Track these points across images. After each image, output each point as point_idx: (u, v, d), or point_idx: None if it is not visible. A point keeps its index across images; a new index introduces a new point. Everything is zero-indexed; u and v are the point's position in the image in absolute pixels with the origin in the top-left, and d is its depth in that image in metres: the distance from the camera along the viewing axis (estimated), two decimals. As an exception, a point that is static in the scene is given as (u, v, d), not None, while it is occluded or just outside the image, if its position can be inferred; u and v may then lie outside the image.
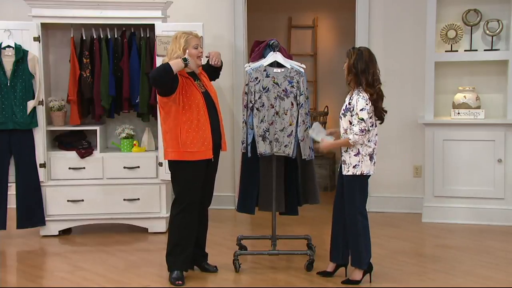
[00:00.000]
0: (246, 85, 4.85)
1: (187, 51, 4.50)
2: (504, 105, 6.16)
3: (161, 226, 5.90)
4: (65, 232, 5.92)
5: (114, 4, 5.73)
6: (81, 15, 5.70)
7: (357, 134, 4.35)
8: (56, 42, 6.08)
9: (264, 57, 4.90)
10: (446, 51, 6.20)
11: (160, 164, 5.81)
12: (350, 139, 4.37)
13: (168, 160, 4.60)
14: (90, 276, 4.84)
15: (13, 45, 5.56)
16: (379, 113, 4.44)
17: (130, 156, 5.91)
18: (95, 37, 5.90)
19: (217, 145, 4.65)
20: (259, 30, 7.61)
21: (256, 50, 5.00)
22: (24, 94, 5.60)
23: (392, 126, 6.49)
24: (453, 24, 6.15)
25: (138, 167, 5.86)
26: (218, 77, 4.99)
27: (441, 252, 5.29)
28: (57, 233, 5.85)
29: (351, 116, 4.40)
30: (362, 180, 4.47)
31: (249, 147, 4.83)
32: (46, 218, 5.78)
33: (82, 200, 5.82)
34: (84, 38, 5.95)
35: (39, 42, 5.67)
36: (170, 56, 4.54)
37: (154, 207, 5.87)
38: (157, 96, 4.55)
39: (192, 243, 4.64)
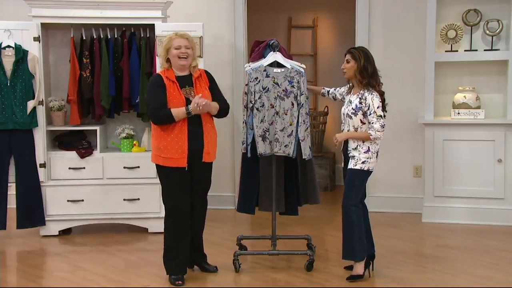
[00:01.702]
0: (246, 85, 4.85)
1: (170, 51, 4.51)
2: (504, 105, 6.16)
3: (161, 226, 5.80)
4: (65, 232, 5.92)
5: (114, 4, 5.73)
6: (81, 15, 5.70)
7: (379, 131, 4.46)
8: (56, 42, 6.08)
9: (264, 57, 4.90)
10: (446, 51, 6.20)
11: (160, 164, 5.81)
12: (371, 135, 4.47)
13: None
14: (90, 276, 4.84)
15: (13, 45, 5.56)
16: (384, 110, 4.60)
17: (130, 156, 5.91)
18: (95, 37, 5.90)
19: (197, 154, 4.52)
20: (259, 30, 7.61)
21: (256, 50, 4.99)
22: (24, 94, 5.61)
23: (392, 126, 6.50)
24: (453, 24, 6.15)
25: (138, 167, 5.86)
26: (223, 116, 4.74)
27: (441, 252, 5.29)
28: (57, 233, 5.85)
29: (363, 115, 4.49)
30: (365, 176, 4.59)
31: (249, 147, 4.82)
32: (46, 218, 5.79)
33: (82, 200, 5.83)
34: (84, 38, 5.95)
35: (39, 42, 5.67)
36: (160, 60, 4.63)
37: (154, 207, 5.87)
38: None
39: (184, 247, 4.61)
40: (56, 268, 5.10)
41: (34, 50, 5.65)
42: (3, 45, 5.56)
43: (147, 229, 5.91)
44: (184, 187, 4.54)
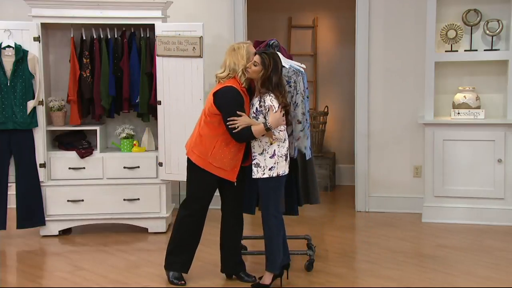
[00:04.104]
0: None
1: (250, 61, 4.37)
2: (504, 105, 6.16)
3: (161, 226, 5.90)
4: (65, 232, 5.92)
5: (114, 4, 5.73)
6: (81, 15, 5.70)
7: (281, 131, 4.34)
8: (56, 42, 6.08)
9: (264, 57, 4.89)
10: (446, 51, 6.20)
11: (160, 164, 5.81)
12: (275, 135, 4.32)
13: (190, 159, 4.52)
14: (90, 276, 4.84)
15: (13, 45, 5.56)
16: (289, 119, 4.48)
17: (130, 156, 5.91)
18: (95, 37, 5.90)
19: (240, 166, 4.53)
20: (259, 30, 7.60)
21: (256, 50, 4.98)
22: (24, 94, 5.61)
23: (392, 126, 6.51)
24: (453, 24, 6.15)
25: (138, 167, 5.86)
26: None
27: (441, 252, 5.29)
28: (57, 233, 5.85)
29: (264, 118, 4.33)
30: (277, 181, 4.41)
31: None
32: (46, 218, 5.78)
33: (82, 200, 5.82)
34: (84, 38, 5.95)
35: (39, 42, 5.67)
36: (233, 67, 4.38)
37: (154, 207, 5.87)
38: (211, 105, 4.38)
39: (194, 247, 4.64)
40: (56, 268, 5.10)
41: (34, 50, 5.64)
42: (3, 45, 5.56)
43: (147, 229, 5.91)
44: (213, 193, 4.57)
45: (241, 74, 4.39)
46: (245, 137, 4.34)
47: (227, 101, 4.35)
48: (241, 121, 4.30)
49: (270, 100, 4.32)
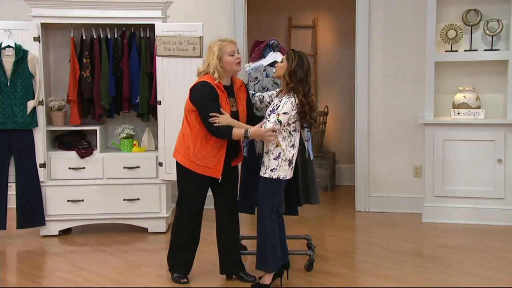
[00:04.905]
0: (246, 85, 4.84)
1: (224, 59, 4.39)
2: (504, 105, 6.16)
3: (161, 226, 5.90)
4: (65, 232, 5.92)
5: (114, 4, 5.73)
6: (81, 15, 5.70)
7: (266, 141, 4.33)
8: (56, 42, 6.08)
9: (264, 57, 4.90)
10: (446, 51, 6.20)
11: (160, 164, 5.81)
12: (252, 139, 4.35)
13: (176, 161, 4.56)
14: (90, 276, 4.84)
15: (13, 45, 5.56)
16: (309, 122, 4.40)
17: (130, 156, 5.91)
18: (95, 37, 5.90)
19: (228, 162, 4.52)
20: (259, 30, 7.61)
21: (256, 50, 5.00)
22: (24, 94, 5.61)
23: (392, 126, 6.51)
24: (453, 24, 6.15)
25: (138, 167, 5.86)
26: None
27: (441, 252, 5.29)
28: (57, 233, 5.85)
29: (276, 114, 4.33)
30: (277, 184, 4.39)
31: (246, 148, 4.82)
32: (46, 218, 5.78)
33: (82, 200, 5.82)
34: (84, 38, 5.95)
35: (39, 42, 5.67)
36: (206, 68, 4.43)
37: (154, 207, 5.87)
38: (187, 101, 4.43)
39: (191, 249, 4.64)
40: (56, 268, 5.10)
41: (34, 50, 5.64)
42: (3, 45, 5.56)
43: (147, 229, 5.91)
44: (204, 193, 4.56)
45: (213, 71, 4.39)
46: (221, 134, 4.33)
47: (201, 96, 4.37)
48: (222, 119, 4.31)
49: (284, 102, 4.29)
